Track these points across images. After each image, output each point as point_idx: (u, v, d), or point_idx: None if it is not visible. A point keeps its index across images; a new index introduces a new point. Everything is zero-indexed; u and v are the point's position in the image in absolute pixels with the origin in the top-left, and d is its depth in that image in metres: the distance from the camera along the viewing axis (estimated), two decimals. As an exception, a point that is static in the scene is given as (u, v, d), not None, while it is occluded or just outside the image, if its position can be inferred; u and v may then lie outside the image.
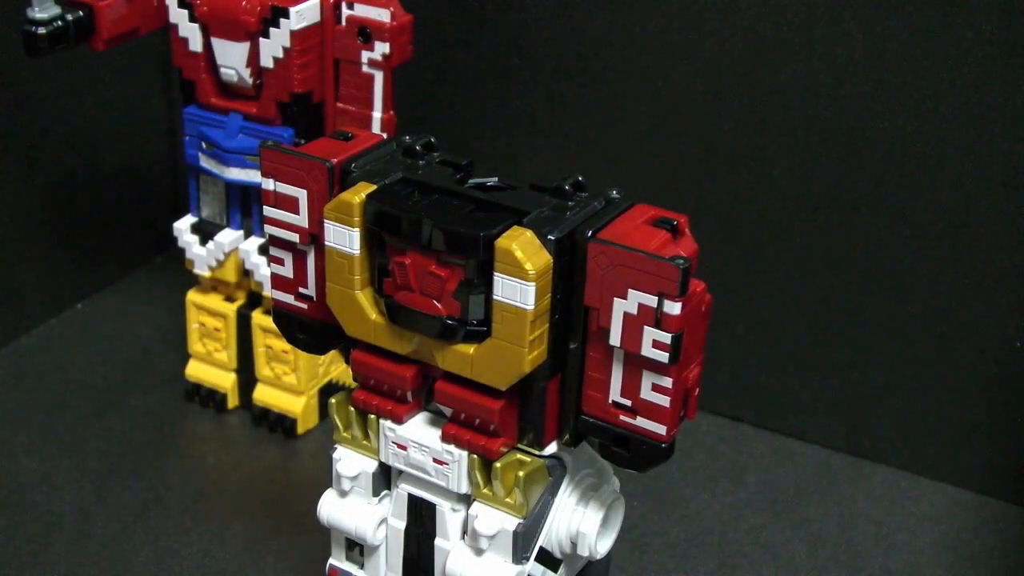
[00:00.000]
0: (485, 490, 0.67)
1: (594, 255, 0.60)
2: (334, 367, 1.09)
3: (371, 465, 0.71)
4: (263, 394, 1.08)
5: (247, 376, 1.09)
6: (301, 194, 0.66)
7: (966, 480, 1.04)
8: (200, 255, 1.05)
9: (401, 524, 0.71)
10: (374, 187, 0.64)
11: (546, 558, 0.70)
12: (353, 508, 0.72)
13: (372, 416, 0.70)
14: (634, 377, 0.62)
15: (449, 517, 0.69)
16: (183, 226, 1.06)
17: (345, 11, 0.94)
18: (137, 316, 1.24)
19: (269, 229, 0.69)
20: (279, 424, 1.08)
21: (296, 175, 0.66)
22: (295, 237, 0.68)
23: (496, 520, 0.67)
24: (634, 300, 0.59)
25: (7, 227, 1.16)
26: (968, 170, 0.96)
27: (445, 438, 0.67)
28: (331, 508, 0.73)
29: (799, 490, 1.04)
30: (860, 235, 1.01)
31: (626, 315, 0.60)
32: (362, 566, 0.74)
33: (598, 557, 0.70)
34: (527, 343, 0.61)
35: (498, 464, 0.66)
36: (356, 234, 0.64)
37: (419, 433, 0.68)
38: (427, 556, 0.71)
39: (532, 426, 0.65)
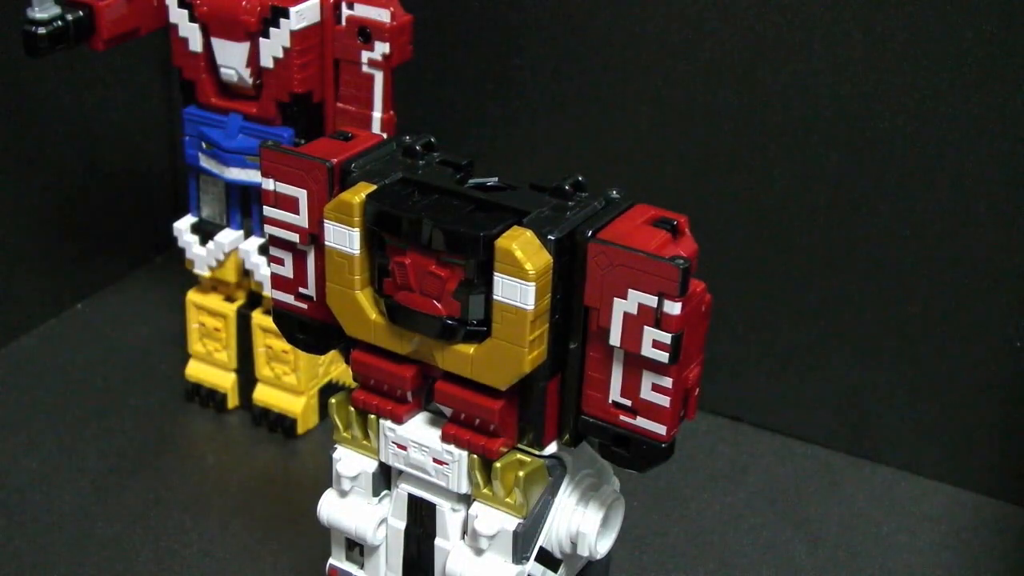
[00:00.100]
0: (485, 490, 0.67)
1: (594, 255, 0.60)
2: (334, 367, 1.09)
3: (371, 465, 0.71)
4: (263, 394, 1.08)
5: (247, 376, 1.09)
6: (301, 194, 0.66)
7: (966, 480, 1.04)
8: (200, 255, 1.05)
9: (401, 524, 0.71)
10: (374, 187, 0.64)
11: (546, 558, 0.70)
12: (353, 508, 0.72)
13: (372, 416, 0.70)
14: (634, 377, 0.62)
15: (449, 517, 0.69)
16: (183, 226, 1.06)
17: (345, 11, 0.94)
18: (137, 316, 1.24)
19: (269, 229, 0.69)
20: (279, 424, 1.08)
21: (296, 175, 0.66)
22: (295, 237, 0.68)
23: (496, 520, 0.67)
24: (634, 300, 0.59)
25: (7, 227, 1.16)
26: (968, 170, 0.96)
27: (445, 438, 0.67)
28: (331, 508, 0.73)
29: (799, 490, 1.04)
30: (860, 235, 1.01)
31: (626, 315, 0.60)
32: (362, 566, 0.74)
33: (598, 557, 0.70)
34: (527, 343, 0.61)
35: (498, 464, 0.66)
36: (356, 234, 0.64)
37: (419, 433, 0.68)
38: (427, 556, 0.71)
39: (532, 426, 0.65)
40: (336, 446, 0.72)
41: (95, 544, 0.94)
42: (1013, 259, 0.97)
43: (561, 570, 0.72)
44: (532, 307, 0.60)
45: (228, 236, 1.04)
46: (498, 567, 0.67)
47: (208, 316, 1.09)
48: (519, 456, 0.66)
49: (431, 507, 0.70)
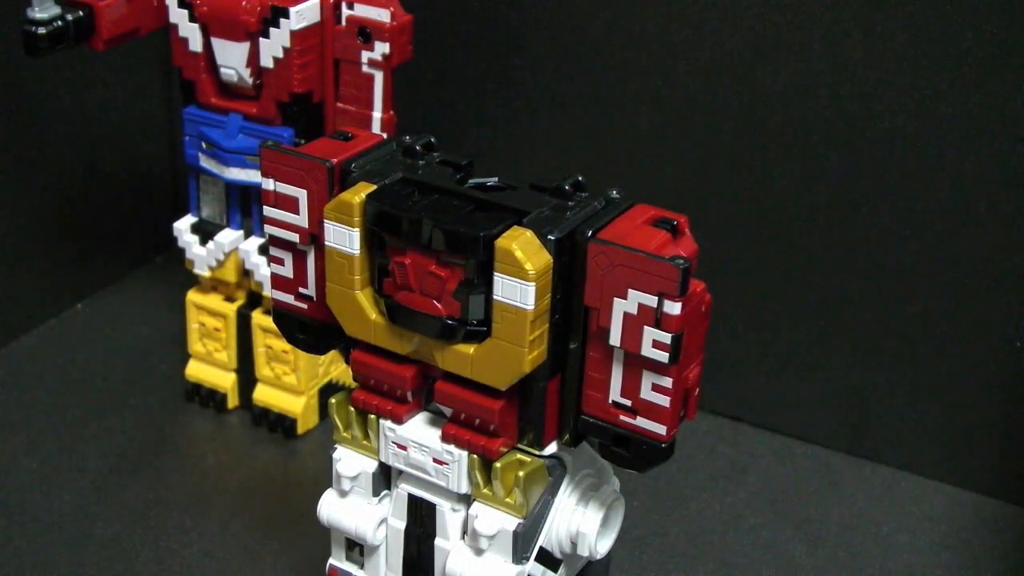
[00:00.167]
0: (485, 490, 0.67)
1: (594, 255, 0.60)
2: (334, 367, 1.09)
3: (371, 465, 0.71)
4: (263, 394, 1.08)
5: (247, 376, 1.09)
6: (301, 194, 0.66)
7: (966, 480, 1.04)
8: (200, 255, 1.05)
9: (401, 524, 0.71)
10: (374, 187, 0.64)
11: (546, 558, 0.70)
12: (353, 508, 0.72)
13: (372, 416, 0.70)
14: (634, 377, 0.62)
15: (449, 517, 0.69)
16: (183, 226, 1.06)
17: (345, 11, 0.94)
18: (137, 316, 1.24)
19: (269, 229, 0.69)
20: (279, 424, 1.08)
21: (296, 175, 0.66)
22: (295, 237, 0.68)
23: (496, 520, 0.67)
24: (634, 300, 0.59)
25: (7, 227, 1.16)
26: (968, 170, 0.96)
27: (445, 438, 0.67)
28: (331, 508, 0.73)
29: (799, 490, 1.04)
30: (860, 235, 1.01)
31: (626, 315, 0.60)
32: (362, 566, 0.74)
33: (598, 557, 0.70)
34: (527, 343, 0.61)
35: (498, 464, 0.66)
36: (356, 234, 0.64)
37: (419, 433, 0.68)
38: (427, 556, 0.71)
39: (532, 426, 0.65)
40: (336, 446, 0.72)
41: (95, 544, 0.94)
42: (1013, 259, 0.97)
43: (561, 570, 0.72)
44: (532, 307, 0.60)
45: (228, 236, 1.04)
46: (498, 567, 0.67)
47: (208, 316, 1.09)
48: (519, 456, 0.66)
49: (431, 507, 0.70)
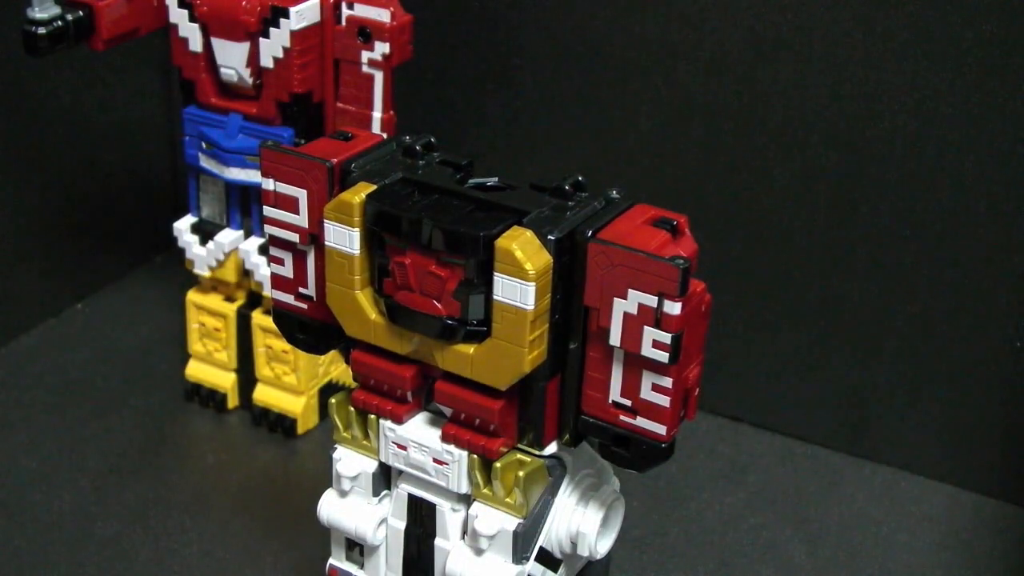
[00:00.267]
0: (485, 490, 0.67)
1: (594, 255, 0.60)
2: (334, 367, 1.09)
3: (371, 465, 0.71)
4: (263, 394, 1.08)
5: (247, 376, 1.09)
6: (301, 194, 0.66)
7: (966, 480, 1.04)
8: (200, 255, 1.05)
9: (401, 524, 0.71)
10: (374, 187, 0.64)
11: (546, 558, 0.70)
12: (353, 508, 0.72)
13: (372, 416, 0.70)
14: (634, 377, 0.62)
15: (449, 517, 0.69)
16: (183, 226, 1.06)
17: (345, 11, 0.94)
18: (137, 316, 1.24)
19: (269, 229, 0.69)
20: (279, 424, 1.08)
21: (296, 175, 0.66)
22: (295, 237, 0.68)
23: (496, 520, 0.67)
24: (634, 300, 0.59)
25: (7, 227, 1.16)
26: (968, 170, 0.96)
27: (445, 438, 0.67)
28: (331, 508, 0.73)
29: (799, 490, 1.04)
30: (860, 235, 1.01)
31: (626, 315, 0.60)
32: (362, 566, 0.74)
33: (598, 557, 0.70)
34: (527, 343, 0.61)
35: (498, 464, 0.66)
36: (356, 234, 0.64)
37: (419, 433, 0.68)
38: (427, 556, 0.71)
39: (532, 426, 0.65)
40: (336, 446, 0.72)
41: (95, 544, 0.94)
42: (1013, 259, 0.97)
43: (561, 570, 0.72)
44: (532, 307, 0.60)
45: (228, 236, 1.04)
46: (498, 567, 0.67)
47: (208, 316, 1.09)
48: (519, 456, 0.66)
49: (431, 507, 0.69)
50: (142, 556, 0.93)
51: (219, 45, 0.95)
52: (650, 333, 0.59)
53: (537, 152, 1.12)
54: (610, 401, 0.63)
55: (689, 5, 1.01)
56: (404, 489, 0.70)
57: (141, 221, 1.30)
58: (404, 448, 0.68)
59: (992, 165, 0.95)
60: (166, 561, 0.93)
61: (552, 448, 0.67)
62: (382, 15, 0.93)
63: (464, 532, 0.69)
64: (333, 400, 0.71)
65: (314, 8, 0.93)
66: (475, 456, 0.67)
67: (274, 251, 0.70)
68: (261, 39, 0.94)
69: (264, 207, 0.68)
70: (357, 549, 0.74)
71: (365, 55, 0.95)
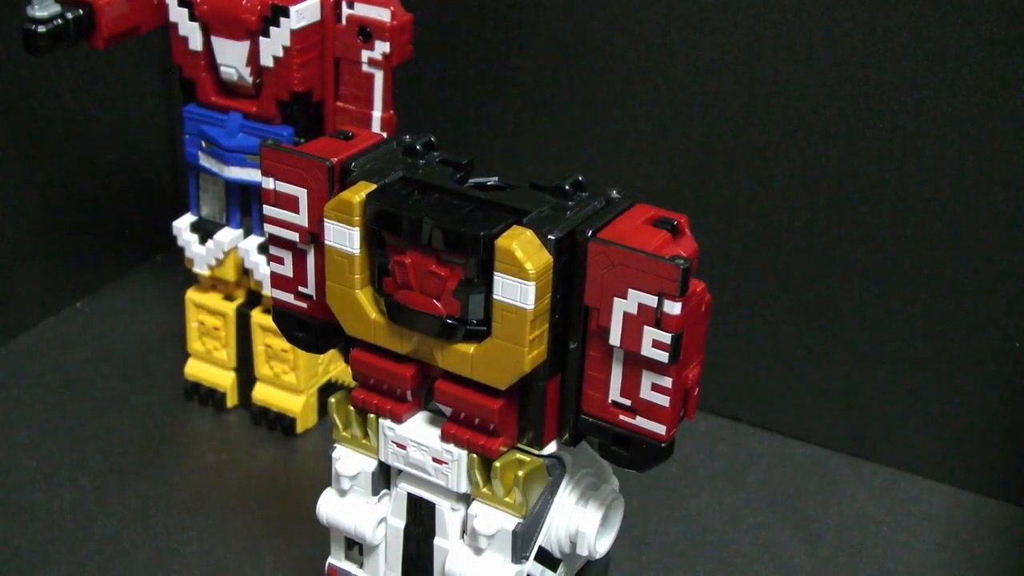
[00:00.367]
0: (484, 489, 0.67)
1: (594, 255, 0.60)
2: (333, 366, 1.09)
3: (370, 464, 0.71)
4: (262, 393, 1.08)
5: (246, 375, 1.09)
6: (301, 193, 0.66)
7: (965, 480, 1.04)
8: (199, 254, 1.05)
9: (400, 523, 0.71)
10: (374, 186, 0.64)
11: (545, 558, 0.70)
12: (352, 507, 0.72)
13: (371, 415, 0.70)
14: (634, 377, 0.62)
15: (448, 516, 0.69)
16: (183, 225, 1.06)
17: (345, 10, 0.94)
18: (137, 315, 1.24)
19: (269, 228, 0.69)
20: (278, 423, 1.08)
21: (296, 174, 0.66)
22: (295, 236, 0.68)
23: (495, 519, 0.67)
24: (634, 300, 0.59)
25: (7, 225, 1.16)
26: (968, 170, 0.96)
27: (444, 437, 0.67)
28: (330, 507, 0.72)
29: (798, 490, 1.04)
30: (860, 235, 1.01)
31: (626, 315, 0.60)
32: (361, 565, 0.74)
33: (597, 557, 0.70)
34: (527, 343, 0.61)
35: (497, 463, 0.66)
36: (356, 233, 0.64)
37: (418, 432, 0.68)
38: (426, 555, 0.71)
39: (532, 425, 0.65)
40: (335, 445, 0.72)
41: (95, 543, 0.94)
42: (1013, 259, 0.97)
43: (560, 570, 0.72)
44: (532, 307, 0.60)
45: (227, 235, 1.04)
46: (497, 566, 0.67)
47: (207, 315, 1.09)
48: (518, 455, 0.66)
49: (430, 506, 0.69)
50: (142, 555, 0.93)
51: (219, 44, 0.95)
52: (650, 333, 0.59)
53: (537, 152, 1.12)
54: (610, 401, 0.63)
55: (689, 5, 1.01)
56: (403, 488, 0.70)
57: (141, 220, 1.30)
58: (403, 447, 0.68)
59: (992, 165, 0.95)
60: (166, 560, 0.93)
61: (552, 447, 0.67)
62: (382, 14, 0.93)
63: (463, 531, 0.69)
64: (332, 399, 0.71)
65: (314, 7, 0.93)
66: (475, 455, 0.66)
67: (274, 250, 0.70)
68: (261, 38, 0.94)
69: (264, 206, 0.68)
70: (356, 548, 0.74)
71: (365, 54, 0.95)
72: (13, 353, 1.17)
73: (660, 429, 0.62)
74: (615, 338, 0.60)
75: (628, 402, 0.63)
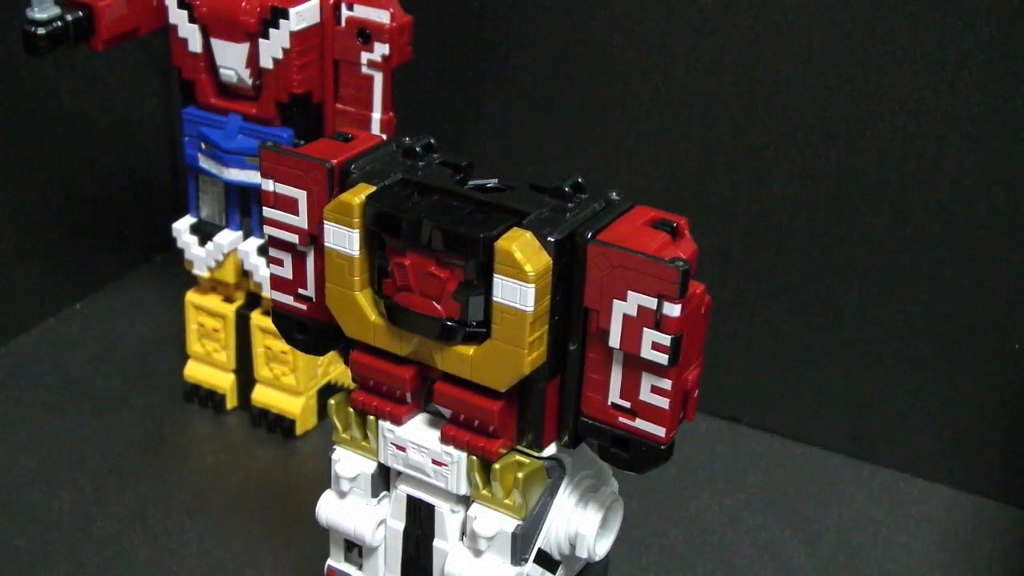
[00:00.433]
0: (484, 491, 0.67)
1: (594, 257, 0.60)
2: (333, 368, 1.09)
3: (370, 466, 0.71)
4: (262, 395, 1.08)
5: (246, 377, 1.09)
6: (301, 195, 0.66)
7: (965, 482, 1.04)
8: (199, 256, 1.05)
9: (400, 525, 0.71)
10: (374, 188, 0.64)
11: (545, 560, 0.70)
12: (352, 509, 0.72)
13: (371, 417, 0.70)
14: (633, 379, 0.62)
15: (448, 518, 0.69)
16: (182, 227, 1.06)
17: (345, 12, 0.94)
18: (137, 316, 1.24)
19: (268, 230, 0.69)
20: (278, 425, 1.08)
21: (295, 176, 0.66)
22: (294, 238, 0.68)
23: (495, 521, 0.67)
24: (634, 302, 0.59)
25: (7, 226, 1.16)
26: (968, 170, 0.96)
27: (444, 439, 0.67)
28: (330, 509, 0.72)
29: (798, 491, 1.04)
30: (860, 235, 1.01)
31: (626, 317, 0.60)
32: (361, 567, 0.74)
33: (597, 559, 0.70)
34: (527, 344, 0.61)
35: (497, 465, 0.66)
36: (356, 235, 0.64)
37: (418, 434, 0.68)
38: (426, 557, 0.71)
39: (531, 427, 0.65)
40: (335, 447, 0.72)
41: (94, 543, 0.94)
42: (1013, 259, 0.97)
43: (560, 571, 0.72)
44: (532, 308, 0.60)
45: (227, 237, 1.04)
46: (497, 568, 0.67)
47: (207, 317, 1.08)
48: (518, 457, 0.66)
49: (430, 508, 0.69)
50: (141, 556, 0.93)
51: (219, 46, 0.95)
52: (650, 335, 0.59)
53: (537, 153, 1.12)
54: (609, 403, 0.63)
55: (689, 6, 1.01)
56: (403, 490, 0.70)
57: (141, 221, 1.30)
58: (403, 449, 0.68)
59: (992, 165, 0.95)
60: (165, 561, 0.93)
61: (551, 449, 0.67)
62: (382, 16, 0.93)
63: (463, 533, 0.69)
64: (332, 401, 0.71)
65: (314, 9, 0.93)
66: (474, 457, 0.67)
67: (273, 252, 0.70)
68: (260, 40, 0.94)
69: (264, 208, 0.68)
70: (356, 550, 0.74)
71: (365, 56, 0.95)
72: (13, 353, 1.17)
73: (659, 431, 0.62)
74: (615, 340, 0.60)
75: (628, 404, 0.63)
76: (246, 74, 0.96)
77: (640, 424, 0.63)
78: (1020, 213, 0.96)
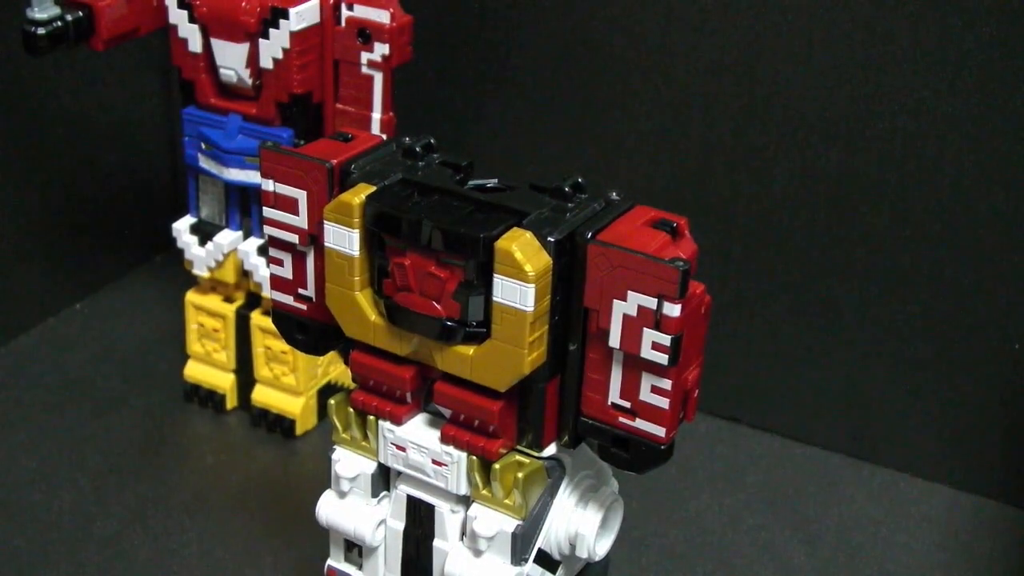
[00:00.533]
0: (484, 491, 0.67)
1: (594, 257, 0.60)
2: (333, 368, 1.09)
3: (370, 466, 0.71)
4: (262, 395, 1.08)
5: (246, 377, 1.09)
6: (301, 195, 0.66)
7: (964, 482, 1.04)
8: (199, 256, 1.05)
9: (400, 525, 0.71)
10: (374, 188, 0.64)
11: (545, 560, 0.70)
12: (352, 509, 0.72)
13: (371, 417, 0.70)
14: (633, 379, 0.62)
15: (448, 518, 0.69)
16: (182, 227, 1.06)
17: (345, 12, 0.94)
18: (137, 316, 1.24)
19: (268, 230, 0.69)
20: (278, 425, 1.08)
21: (295, 176, 0.66)
22: (294, 238, 0.68)
23: (495, 521, 0.67)
24: (634, 302, 0.59)
25: (7, 226, 1.16)
26: (968, 170, 0.96)
27: (444, 439, 0.67)
28: (330, 509, 0.72)
29: (798, 491, 1.04)
30: (860, 235, 1.01)
31: (626, 317, 0.60)
32: (361, 567, 0.74)
33: (597, 559, 0.70)
34: (527, 344, 0.61)
35: (497, 465, 0.66)
36: (356, 235, 0.64)
37: (418, 434, 0.68)
38: (426, 557, 0.71)
39: (531, 427, 0.65)
40: (335, 447, 0.72)
41: (94, 543, 0.94)
42: (1013, 259, 0.97)
43: (560, 572, 0.72)
44: (532, 308, 0.60)
45: (227, 237, 1.04)
46: (497, 568, 0.67)
47: (207, 317, 1.08)
48: (518, 457, 0.66)
49: (430, 508, 0.69)
50: (141, 556, 0.93)
51: (219, 46, 0.95)
52: (649, 335, 0.59)
53: (537, 153, 1.12)
54: (609, 403, 0.63)
55: (689, 6, 1.01)
56: (403, 490, 0.70)
57: (140, 221, 1.30)
58: (403, 449, 0.68)
59: (992, 165, 0.95)
60: (165, 561, 0.93)
61: (551, 449, 0.67)
62: (382, 16, 0.93)
63: (463, 533, 0.69)
64: (332, 401, 0.71)
65: (314, 9, 0.93)
66: (474, 457, 0.67)
67: (273, 252, 0.70)
68: (260, 40, 0.94)
69: (264, 208, 0.68)
70: (356, 550, 0.74)
71: (365, 56, 0.95)
72: (13, 353, 1.17)
73: (659, 431, 0.62)
74: (615, 340, 0.61)
75: (628, 404, 0.63)
76: (246, 74, 0.96)
77: (640, 424, 0.63)
78: (1020, 213, 0.96)
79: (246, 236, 1.04)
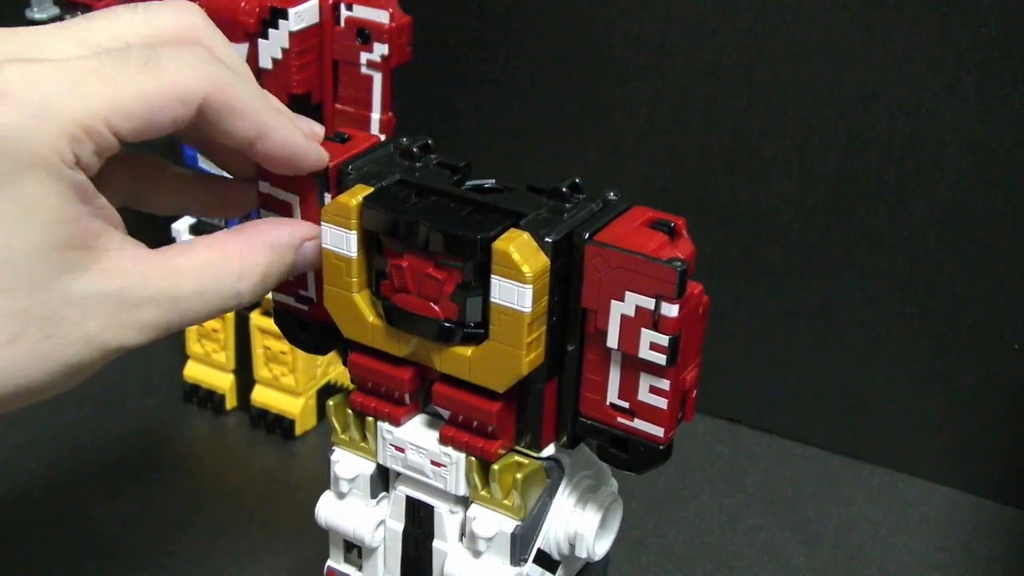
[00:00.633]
0: (483, 492, 0.67)
1: (591, 257, 0.60)
2: (332, 368, 1.09)
3: (369, 467, 0.71)
4: (261, 395, 1.08)
5: (245, 377, 1.09)
6: (293, 199, 0.66)
7: (963, 482, 1.04)
8: (199, 256, 1.05)
9: (399, 526, 0.71)
10: (371, 189, 0.64)
11: (544, 560, 0.70)
12: (351, 510, 0.72)
13: (370, 418, 0.69)
14: (632, 379, 0.62)
15: (447, 519, 0.69)
16: (182, 227, 1.06)
17: (344, 12, 0.94)
18: (136, 316, 1.23)
19: (268, 231, 0.68)
20: (277, 425, 1.08)
21: (287, 180, 0.66)
22: (293, 239, 0.68)
23: (494, 522, 0.67)
24: (631, 302, 0.59)
25: (6, 227, 1.16)
26: (967, 171, 0.96)
27: (443, 440, 0.67)
28: (329, 510, 0.72)
29: (797, 492, 1.04)
30: (859, 235, 1.01)
31: (624, 317, 0.60)
32: (360, 568, 0.74)
33: (596, 559, 0.70)
34: (524, 345, 0.61)
35: (496, 466, 0.66)
36: (353, 237, 0.64)
37: (417, 435, 0.68)
38: (425, 558, 0.71)
39: (530, 428, 0.65)
40: (334, 448, 0.72)
41: (94, 544, 0.94)
42: (1012, 259, 0.97)
43: (559, 572, 0.71)
44: (529, 309, 0.60)
45: (227, 237, 1.03)
46: (496, 569, 0.67)
47: (207, 317, 1.08)
48: (517, 458, 0.66)
49: (429, 509, 0.69)
50: (141, 556, 0.93)
51: (218, 46, 0.95)
52: (648, 335, 0.59)
53: (535, 153, 1.12)
54: (608, 403, 0.63)
55: (688, 6, 1.01)
56: (402, 491, 0.70)
57: (140, 221, 1.30)
58: (402, 450, 0.68)
59: (991, 165, 0.95)
60: (165, 561, 0.93)
61: (550, 450, 0.66)
62: (381, 16, 0.93)
63: (462, 534, 0.69)
64: (331, 402, 0.71)
65: (313, 9, 0.93)
66: (473, 458, 0.66)
67: (273, 252, 0.70)
68: (260, 40, 0.94)
69: (260, 210, 0.68)
70: (355, 551, 0.74)
71: (364, 56, 0.95)
72: (13, 354, 1.17)
73: (658, 431, 0.62)
74: (613, 340, 0.60)
75: (626, 404, 0.63)
76: (245, 75, 0.95)
77: (638, 424, 0.63)
78: (1019, 213, 0.96)
79: (245, 237, 1.04)
